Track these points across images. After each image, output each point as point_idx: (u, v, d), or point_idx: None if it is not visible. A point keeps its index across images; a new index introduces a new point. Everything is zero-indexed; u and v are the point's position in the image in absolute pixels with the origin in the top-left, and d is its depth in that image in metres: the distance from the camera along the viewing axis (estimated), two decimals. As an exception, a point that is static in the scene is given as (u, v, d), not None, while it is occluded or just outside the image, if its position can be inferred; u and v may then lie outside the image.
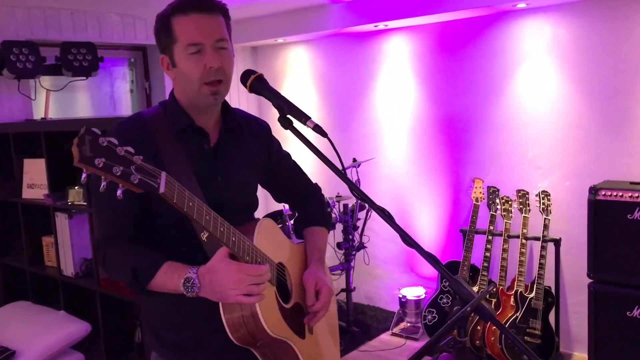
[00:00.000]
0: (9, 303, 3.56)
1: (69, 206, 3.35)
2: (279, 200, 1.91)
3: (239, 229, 1.40)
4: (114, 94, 4.78)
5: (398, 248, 4.22)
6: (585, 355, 3.10)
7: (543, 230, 3.37)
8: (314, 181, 1.90)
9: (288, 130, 1.43)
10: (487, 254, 3.50)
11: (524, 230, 3.43)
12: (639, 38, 3.16)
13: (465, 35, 3.80)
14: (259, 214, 1.71)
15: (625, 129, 3.25)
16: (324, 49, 4.56)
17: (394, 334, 4.02)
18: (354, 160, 4.03)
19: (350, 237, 3.97)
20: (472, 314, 1.18)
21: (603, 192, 2.94)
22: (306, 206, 1.85)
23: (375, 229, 4.24)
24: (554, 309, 3.40)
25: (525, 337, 3.29)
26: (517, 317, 3.30)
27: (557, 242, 3.41)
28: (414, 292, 4.04)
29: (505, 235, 3.48)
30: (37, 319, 3.30)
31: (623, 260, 2.89)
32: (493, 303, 3.44)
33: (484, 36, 3.72)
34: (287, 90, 4.77)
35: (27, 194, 3.63)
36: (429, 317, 3.69)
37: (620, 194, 2.89)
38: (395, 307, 4.19)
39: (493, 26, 3.67)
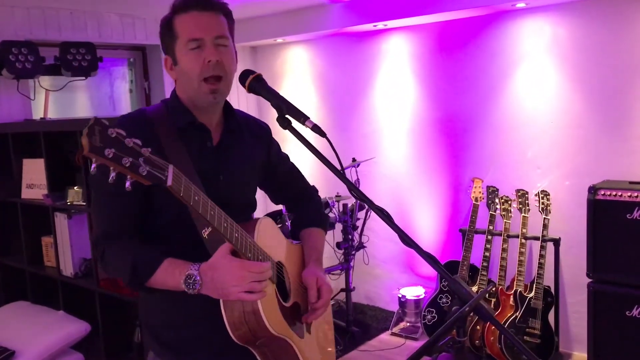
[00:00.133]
0: (8, 303, 3.56)
1: (68, 206, 3.35)
2: (276, 202, 1.91)
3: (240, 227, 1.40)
4: (113, 94, 4.77)
5: (397, 248, 4.22)
6: (585, 355, 3.10)
7: (542, 230, 3.37)
8: (313, 181, 1.91)
9: (287, 131, 1.43)
10: (487, 254, 3.50)
11: (524, 230, 3.43)
12: (638, 37, 3.16)
13: (464, 35, 3.80)
14: (258, 214, 1.71)
15: (624, 129, 3.25)
16: (324, 48, 4.56)
17: (393, 334, 4.02)
18: (354, 160, 4.03)
19: (350, 236, 3.97)
20: (471, 314, 1.18)
21: (602, 192, 2.94)
22: (303, 208, 1.86)
23: (375, 228, 4.24)
24: (553, 308, 3.40)
25: (525, 337, 3.29)
26: (516, 316, 3.30)
27: (556, 242, 3.41)
28: (414, 292, 4.04)
29: (505, 235, 3.48)
30: (36, 319, 3.30)
31: (622, 260, 2.89)
32: (492, 303, 3.44)
33: (483, 36, 3.72)
34: (286, 90, 4.77)
35: (27, 194, 3.63)
36: (429, 316, 3.69)
37: (620, 193, 2.89)
38: (394, 307, 4.19)
39: (492, 26, 3.67)
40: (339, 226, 4.00)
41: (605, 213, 2.92)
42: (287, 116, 1.42)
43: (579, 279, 3.27)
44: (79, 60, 3.66)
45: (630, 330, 2.87)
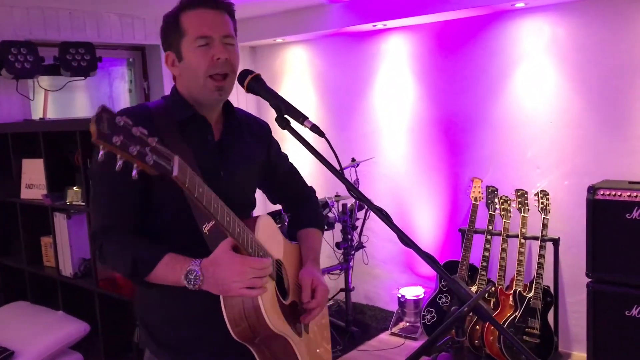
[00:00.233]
0: (7, 303, 3.56)
1: (67, 206, 3.35)
2: (273, 201, 1.91)
3: None
4: (112, 94, 4.77)
5: (397, 248, 4.22)
6: (584, 355, 3.10)
7: (542, 230, 3.37)
8: (312, 181, 1.91)
9: (286, 131, 1.43)
10: (486, 254, 3.50)
11: (523, 230, 3.43)
12: (637, 37, 3.16)
13: (463, 34, 3.80)
14: (257, 214, 1.70)
15: (624, 129, 3.25)
16: (323, 48, 4.56)
17: (393, 334, 4.02)
18: (353, 160, 4.03)
19: (349, 236, 3.97)
20: (470, 314, 1.18)
21: (602, 192, 2.94)
22: (301, 208, 1.86)
23: (374, 228, 4.24)
24: (552, 308, 3.40)
25: (524, 337, 3.29)
26: (516, 316, 3.30)
27: (555, 242, 3.41)
28: (413, 292, 4.04)
29: (504, 234, 3.48)
30: (35, 319, 3.30)
31: (622, 260, 2.89)
32: (492, 302, 3.44)
33: (482, 36, 3.72)
34: (285, 90, 4.77)
35: (26, 194, 3.63)
36: (428, 316, 3.69)
37: (619, 193, 2.89)
38: (394, 307, 4.19)
39: (491, 26, 3.67)
40: (338, 226, 4.00)
41: (605, 213, 2.92)
42: (285, 116, 1.42)
43: (578, 278, 3.27)
44: (78, 60, 3.66)
45: (630, 330, 2.87)
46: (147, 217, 1.49)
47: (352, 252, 4.02)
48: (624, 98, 3.23)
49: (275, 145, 1.78)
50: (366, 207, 3.90)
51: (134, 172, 1.14)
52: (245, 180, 1.63)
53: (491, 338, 3.34)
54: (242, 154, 1.61)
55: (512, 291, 3.37)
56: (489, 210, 3.56)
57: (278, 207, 3.67)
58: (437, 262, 1.28)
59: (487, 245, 3.51)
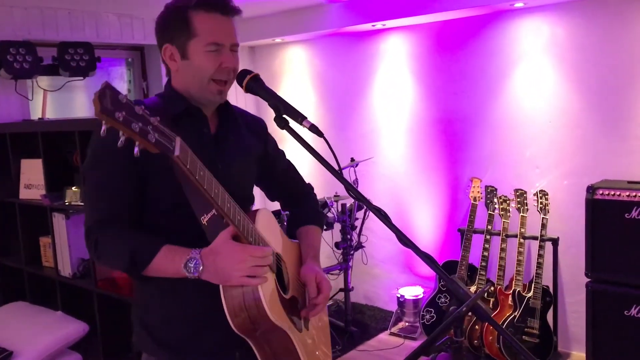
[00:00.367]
0: (6, 303, 3.56)
1: (66, 206, 3.35)
2: (272, 198, 1.90)
3: None
4: (111, 94, 4.76)
5: (396, 248, 4.22)
6: (583, 355, 3.10)
7: (541, 230, 3.37)
8: (311, 181, 1.91)
9: (285, 130, 1.43)
10: (485, 254, 3.50)
11: (522, 230, 3.43)
12: (636, 37, 3.16)
13: (462, 34, 3.80)
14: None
15: (622, 128, 3.25)
16: (322, 48, 4.56)
17: (392, 334, 4.02)
18: (352, 159, 4.03)
19: (349, 236, 3.97)
20: (469, 314, 1.18)
21: (601, 192, 2.94)
22: (300, 205, 1.86)
23: (374, 228, 4.24)
24: (552, 308, 3.40)
25: (524, 337, 3.29)
26: (515, 316, 3.30)
27: (555, 242, 3.41)
28: (412, 292, 4.04)
29: (503, 234, 3.48)
30: (34, 319, 3.30)
31: (621, 260, 2.89)
32: (491, 302, 3.44)
33: (481, 35, 3.72)
34: (285, 90, 4.77)
35: (24, 194, 3.63)
36: (427, 316, 3.69)
37: (618, 193, 2.89)
38: (393, 307, 4.19)
39: (491, 25, 3.67)
40: (337, 226, 4.00)
41: (604, 213, 2.92)
42: (284, 116, 1.42)
43: (577, 278, 3.27)
44: (77, 60, 3.66)
45: (629, 330, 2.87)
46: (144, 210, 1.47)
47: (352, 252, 4.02)
48: (622, 98, 3.23)
49: (272, 141, 1.78)
50: (365, 207, 3.91)
51: (136, 150, 1.13)
52: (242, 172, 1.62)
53: (490, 338, 3.34)
54: (239, 146, 1.61)
55: (511, 291, 3.37)
56: (488, 210, 3.56)
57: (277, 206, 3.68)
58: (435, 262, 1.28)
59: (487, 245, 3.51)
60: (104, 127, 1.08)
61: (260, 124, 1.75)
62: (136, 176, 1.43)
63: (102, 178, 1.44)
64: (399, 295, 4.04)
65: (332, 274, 4.06)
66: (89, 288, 3.33)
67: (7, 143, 3.63)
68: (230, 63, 1.47)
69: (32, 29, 3.73)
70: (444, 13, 3.59)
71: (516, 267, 3.38)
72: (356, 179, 4.04)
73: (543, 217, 3.38)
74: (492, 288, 3.43)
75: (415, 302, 3.98)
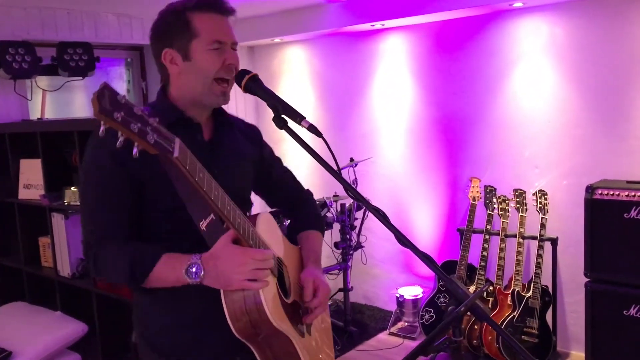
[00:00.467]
0: (5, 304, 3.56)
1: (65, 206, 3.35)
2: (272, 205, 1.90)
3: None
4: (110, 94, 4.76)
5: (395, 247, 4.22)
6: (583, 354, 3.10)
7: (540, 230, 3.37)
8: (310, 181, 1.92)
9: (283, 131, 1.42)
10: (485, 253, 3.50)
11: (521, 230, 3.43)
12: (635, 37, 3.16)
13: (462, 34, 3.80)
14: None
15: (622, 128, 3.25)
16: (321, 48, 4.55)
17: (391, 334, 4.02)
18: (351, 159, 4.03)
19: (348, 236, 3.97)
20: (468, 314, 1.18)
21: (600, 191, 2.94)
22: (300, 210, 1.85)
23: (373, 228, 4.24)
24: (551, 308, 3.40)
25: (523, 337, 3.29)
26: (514, 316, 3.30)
27: (554, 241, 3.42)
28: (412, 292, 4.04)
29: (503, 234, 3.48)
30: (33, 319, 3.30)
31: (620, 259, 2.89)
32: (490, 302, 3.44)
33: (480, 35, 3.72)
34: (284, 90, 4.77)
35: (24, 194, 3.63)
36: (427, 316, 3.69)
37: (617, 193, 2.90)
38: (392, 307, 4.19)
39: (490, 25, 3.67)
40: (336, 226, 4.00)
41: (603, 212, 2.92)
42: (283, 116, 1.42)
43: (576, 278, 3.27)
44: (76, 60, 3.66)
45: (628, 330, 2.87)
46: (141, 217, 1.47)
47: (351, 252, 4.02)
48: (622, 98, 3.23)
49: (268, 148, 1.78)
50: (364, 207, 3.91)
51: (135, 151, 1.13)
52: (239, 176, 1.62)
53: (489, 338, 3.34)
54: (234, 151, 1.61)
55: (510, 291, 3.37)
56: (487, 210, 3.56)
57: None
58: (434, 261, 1.27)
59: (486, 245, 3.51)
60: (102, 128, 1.08)
61: (254, 131, 1.74)
62: (131, 187, 1.42)
63: (97, 193, 1.44)
64: (398, 295, 4.04)
65: (331, 274, 4.06)
66: (88, 288, 3.33)
67: (6, 143, 3.63)
68: (233, 60, 1.48)
69: (31, 29, 3.73)
70: (443, 13, 3.59)
71: (515, 267, 3.38)
72: (355, 179, 4.04)
73: (542, 217, 3.38)
74: (491, 288, 3.43)
75: (415, 302, 3.98)
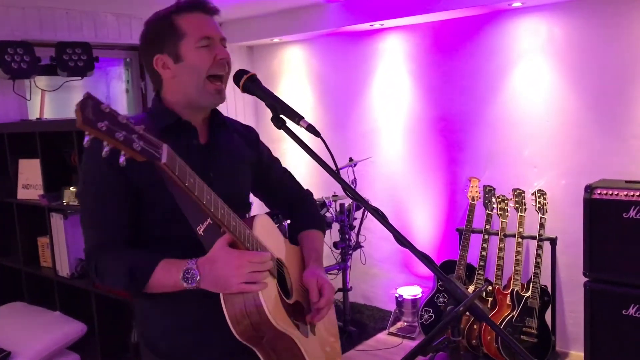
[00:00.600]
0: (4, 304, 3.55)
1: (64, 206, 3.35)
2: (271, 206, 1.90)
3: None
4: (110, 94, 4.76)
5: (394, 247, 4.22)
6: (582, 354, 3.10)
7: (539, 229, 3.37)
8: (309, 181, 1.92)
9: (282, 131, 1.42)
10: (484, 253, 3.50)
11: (520, 229, 3.43)
12: (634, 36, 3.16)
13: (461, 34, 3.80)
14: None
15: (620, 128, 3.25)
16: (320, 48, 4.55)
17: (390, 334, 4.02)
18: (350, 159, 4.03)
19: (347, 236, 3.97)
20: (467, 314, 1.18)
21: (599, 191, 2.94)
22: (300, 210, 1.84)
23: (372, 228, 4.24)
24: (550, 307, 3.40)
25: (522, 336, 3.29)
26: (513, 316, 3.30)
27: (553, 241, 3.42)
28: (411, 292, 4.04)
29: (502, 234, 3.48)
30: (32, 319, 3.30)
31: (619, 259, 2.89)
32: (489, 302, 3.44)
33: (479, 35, 3.72)
34: (283, 90, 4.77)
35: (22, 194, 3.62)
36: (426, 316, 3.69)
37: (616, 192, 2.90)
38: (392, 307, 4.19)
39: (488, 25, 3.67)
40: (336, 226, 4.00)
41: (602, 212, 2.92)
42: (281, 116, 1.42)
43: (575, 278, 3.27)
44: (75, 60, 3.66)
45: (627, 329, 2.87)
46: (140, 223, 1.47)
47: (350, 252, 4.02)
48: (620, 97, 3.24)
49: (266, 150, 1.78)
50: (363, 206, 3.90)
51: (122, 159, 1.13)
52: (236, 178, 1.61)
53: (489, 337, 3.34)
54: (231, 153, 1.61)
55: (509, 290, 3.37)
56: (486, 210, 3.56)
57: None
58: (433, 261, 1.27)
59: (485, 245, 3.51)
60: (87, 138, 1.08)
61: (252, 132, 1.74)
62: (130, 193, 1.43)
63: (96, 201, 1.44)
64: (397, 295, 4.04)
65: (330, 274, 4.06)
66: (87, 288, 3.33)
67: (5, 143, 3.62)
68: (224, 54, 1.49)
69: (30, 29, 3.73)
70: (442, 13, 3.59)
71: (514, 267, 3.38)
72: (354, 178, 4.04)
73: (541, 217, 3.38)
74: (490, 288, 3.43)
75: (414, 301, 3.99)
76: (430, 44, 3.97)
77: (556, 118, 3.47)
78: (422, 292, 4.02)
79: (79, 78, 3.78)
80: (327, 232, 4.01)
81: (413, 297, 3.99)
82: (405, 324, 4.06)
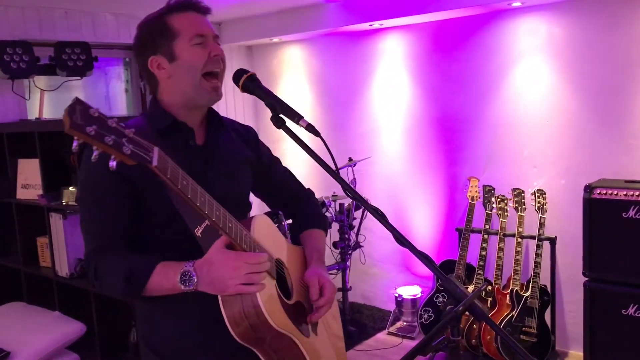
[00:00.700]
0: (3, 304, 3.55)
1: (63, 206, 3.34)
2: (273, 206, 1.90)
3: None
4: (109, 94, 4.76)
5: (394, 247, 4.22)
6: (581, 354, 3.10)
7: (538, 229, 3.37)
8: (308, 181, 1.91)
9: (281, 130, 1.42)
10: (483, 253, 3.50)
11: (520, 229, 3.43)
12: (633, 36, 3.16)
13: (460, 34, 3.80)
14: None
15: (620, 127, 3.26)
16: (320, 48, 4.55)
17: (390, 333, 4.02)
18: (350, 159, 4.03)
19: (346, 236, 3.97)
20: (467, 313, 1.18)
21: (598, 191, 2.94)
22: (301, 209, 1.84)
23: (372, 228, 4.24)
24: (549, 307, 3.40)
25: (521, 336, 3.29)
26: (512, 315, 3.30)
27: (552, 241, 3.42)
28: (410, 291, 4.04)
29: (501, 234, 3.48)
30: (31, 319, 3.30)
31: (618, 259, 2.89)
32: (489, 302, 3.44)
33: (479, 35, 3.72)
34: (282, 90, 4.77)
35: (22, 194, 3.62)
36: (425, 316, 3.69)
37: (615, 192, 2.90)
38: (391, 306, 4.19)
39: (488, 25, 3.67)
40: (335, 226, 4.00)
41: (601, 212, 2.92)
42: (281, 115, 1.42)
43: (575, 277, 3.27)
44: (74, 60, 3.65)
45: (626, 329, 2.87)
46: (140, 225, 1.47)
47: (350, 252, 4.02)
48: (620, 97, 3.24)
49: (266, 149, 1.77)
50: (363, 206, 3.90)
51: (112, 163, 1.13)
52: (235, 178, 1.61)
53: (488, 337, 3.34)
54: (229, 154, 1.60)
55: (509, 290, 3.37)
56: (485, 210, 3.56)
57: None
58: (432, 261, 1.27)
59: (484, 245, 3.51)
60: (75, 143, 1.08)
61: (250, 132, 1.74)
62: (129, 196, 1.43)
63: (95, 205, 1.45)
64: (397, 295, 4.04)
65: (330, 274, 4.03)
66: (86, 288, 3.33)
67: (4, 143, 3.62)
68: (217, 50, 1.50)
69: (29, 29, 3.72)
70: (442, 12, 3.59)
71: (514, 267, 3.38)
72: (354, 178, 4.04)
73: (541, 217, 3.38)
74: (490, 287, 3.43)
75: (413, 301, 3.99)
76: (429, 44, 3.97)
77: (556, 118, 3.47)
78: (421, 292, 4.03)
79: (78, 78, 3.78)
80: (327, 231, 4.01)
81: (412, 297, 3.99)
82: (405, 323, 4.06)
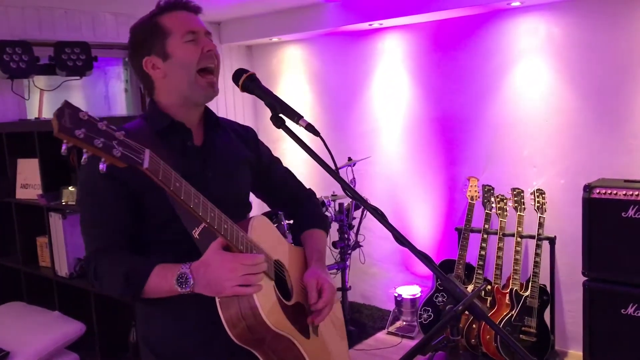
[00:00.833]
0: (3, 304, 3.55)
1: (62, 206, 3.34)
2: (273, 206, 1.89)
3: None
4: (108, 94, 4.76)
5: (394, 247, 4.22)
6: (581, 353, 3.11)
7: (538, 229, 3.38)
8: (308, 180, 1.91)
9: (281, 130, 1.42)
10: (482, 253, 3.50)
11: (519, 229, 3.43)
12: (632, 36, 3.17)
13: (460, 33, 3.80)
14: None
15: (619, 127, 3.26)
16: (319, 47, 4.55)
17: (389, 333, 4.02)
18: (350, 159, 4.03)
19: (346, 236, 3.97)
20: (466, 313, 1.18)
21: (597, 190, 2.94)
22: (302, 209, 1.83)
23: (371, 227, 4.24)
24: (549, 307, 3.40)
25: (521, 336, 3.29)
26: (512, 315, 3.31)
27: (552, 241, 3.42)
28: (410, 291, 4.04)
29: (500, 233, 3.48)
30: (31, 319, 3.29)
31: (617, 258, 2.90)
32: (488, 301, 3.44)
33: (478, 35, 3.72)
34: (282, 89, 4.77)
35: (21, 194, 3.62)
36: (425, 315, 3.69)
37: (615, 192, 2.90)
38: (391, 306, 4.19)
39: (487, 25, 3.67)
40: (335, 225, 4.00)
41: (601, 211, 2.92)
42: (280, 115, 1.42)
43: (574, 277, 3.28)
44: (73, 59, 3.65)
45: (626, 328, 2.87)
46: (140, 226, 1.48)
47: (349, 251, 4.02)
48: (619, 97, 3.24)
49: (266, 149, 1.77)
50: (362, 206, 3.90)
51: (102, 166, 1.13)
52: (234, 178, 1.61)
53: (488, 337, 3.34)
54: (228, 154, 1.60)
55: (508, 290, 3.37)
56: (485, 209, 3.56)
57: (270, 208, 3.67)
58: (432, 261, 1.28)
59: (484, 244, 3.52)
60: (64, 147, 1.09)
61: (250, 132, 1.74)
62: (127, 197, 1.43)
63: (94, 207, 1.45)
64: (396, 295, 4.04)
65: (329, 273, 4.06)
66: (86, 288, 3.33)
67: (3, 143, 3.62)
68: (210, 46, 1.51)
69: (29, 29, 3.72)
70: (441, 12, 3.59)
71: (513, 266, 3.39)
72: (353, 178, 4.04)
73: (540, 216, 3.39)
74: (489, 287, 3.43)
75: (413, 301, 3.99)
76: (429, 44, 3.97)
77: (555, 117, 3.48)
78: (421, 292, 4.03)
79: (78, 78, 3.78)
80: (326, 231, 4.01)
81: (412, 297, 3.99)
82: (404, 323, 4.06)
